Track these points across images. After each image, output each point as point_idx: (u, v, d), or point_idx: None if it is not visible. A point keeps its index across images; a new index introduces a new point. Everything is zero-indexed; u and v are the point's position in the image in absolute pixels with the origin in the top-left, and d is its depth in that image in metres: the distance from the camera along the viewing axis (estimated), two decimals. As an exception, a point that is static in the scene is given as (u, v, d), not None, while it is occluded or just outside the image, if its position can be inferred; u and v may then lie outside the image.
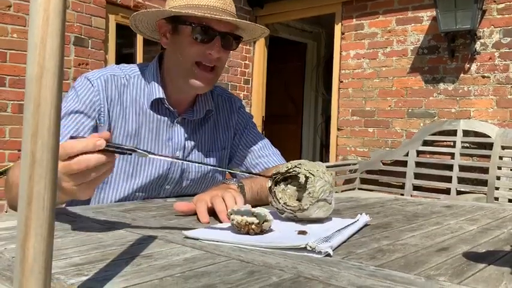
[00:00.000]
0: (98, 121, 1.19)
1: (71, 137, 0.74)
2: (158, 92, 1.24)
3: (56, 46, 0.41)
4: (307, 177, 0.92)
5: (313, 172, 0.93)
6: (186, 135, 1.30)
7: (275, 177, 0.97)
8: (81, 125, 1.15)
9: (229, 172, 1.44)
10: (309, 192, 0.91)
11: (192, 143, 1.31)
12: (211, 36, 1.18)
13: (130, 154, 0.77)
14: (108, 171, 0.75)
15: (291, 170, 0.95)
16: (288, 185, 0.96)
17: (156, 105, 1.26)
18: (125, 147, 0.77)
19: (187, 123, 1.31)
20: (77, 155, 0.71)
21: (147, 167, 1.24)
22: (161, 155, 0.91)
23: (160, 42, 1.27)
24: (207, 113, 1.34)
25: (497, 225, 1.01)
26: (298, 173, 0.93)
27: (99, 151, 0.72)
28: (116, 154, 0.75)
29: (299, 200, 0.94)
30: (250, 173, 1.30)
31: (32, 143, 0.40)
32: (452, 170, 3.87)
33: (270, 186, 0.96)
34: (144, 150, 0.78)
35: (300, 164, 0.95)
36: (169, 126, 1.27)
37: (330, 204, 0.94)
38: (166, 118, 1.27)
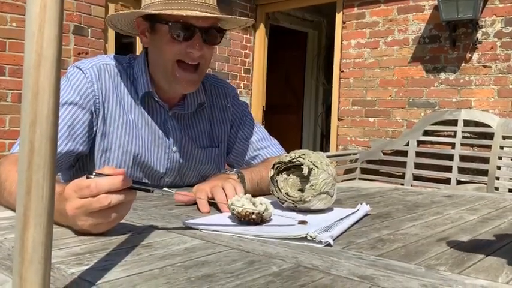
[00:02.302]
0: (94, 113, 1.15)
1: (96, 174, 0.69)
2: (147, 86, 1.20)
3: (54, 34, 0.40)
4: (310, 169, 0.92)
5: (317, 164, 0.92)
6: (180, 129, 1.27)
7: (278, 167, 0.96)
8: (76, 119, 1.11)
9: (228, 164, 1.43)
10: (312, 185, 0.90)
11: (188, 137, 1.28)
12: (191, 33, 1.11)
13: (152, 192, 0.75)
14: (126, 212, 0.72)
15: (294, 160, 0.95)
16: (291, 175, 0.96)
17: (147, 100, 1.22)
18: (150, 184, 0.75)
19: (180, 117, 1.27)
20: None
21: (145, 159, 1.22)
22: (187, 194, 0.96)
23: (141, 41, 1.21)
24: (199, 105, 1.30)
25: (497, 215, 1.01)
26: (302, 164, 0.93)
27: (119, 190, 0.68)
28: (137, 190, 0.72)
29: (301, 190, 0.94)
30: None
31: (31, 132, 0.40)
32: (452, 160, 3.86)
33: (272, 175, 0.96)
34: (170, 189, 0.76)
35: (303, 154, 0.95)
36: (163, 121, 1.24)
37: (332, 196, 0.94)
38: (158, 112, 1.24)
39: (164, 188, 0.75)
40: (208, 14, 1.11)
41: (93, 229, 0.70)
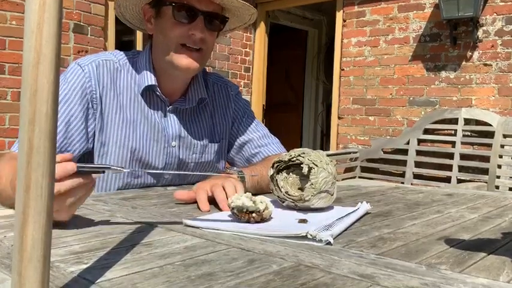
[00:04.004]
0: (91, 108, 1.16)
1: None
2: (150, 79, 1.21)
3: (53, 32, 0.40)
4: (310, 168, 0.91)
5: (317, 163, 0.92)
6: (180, 124, 1.27)
7: (277, 166, 0.96)
8: (72, 116, 1.13)
9: (228, 161, 1.43)
10: (312, 184, 0.90)
11: (188, 132, 1.29)
12: (194, 16, 1.15)
13: (103, 172, 0.74)
14: (87, 193, 0.72)
15: (294, 159, 0.94)
16: (290, 174, 0.96)
17: (148, 94, 1.23)
18: (98, 165, 0.74)
19: (181, 112, 1.28)
20: None
21: (143, 154, 1.23)
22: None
23: (146, 29, 1.24)
24: (200, 101, 1.31)
25: (498, 214, 1.00)
26: (302, 162, 0.93)
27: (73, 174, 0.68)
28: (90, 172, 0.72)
29: (301, 189, 0.94)
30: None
31: (30, 130, 0.40)
32: (453, 159, 3.86)
33: (272, 174, 0.96)
34: (119, 167, 0.76)
35: (303, 153, 0.94)
36: (162, 115, 1.25)
37: (332, 195, 0.94)
38: (158, 107, 1.25)
39: (112, 167, 0.74)
40: None
41: (56, 217, 0.70)
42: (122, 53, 1.26)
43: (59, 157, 0.70)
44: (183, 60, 1.17)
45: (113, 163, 1.20)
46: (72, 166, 0.69)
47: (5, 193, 0.88)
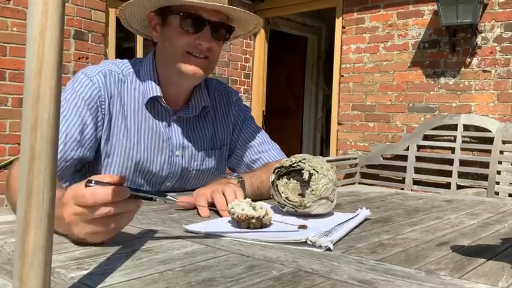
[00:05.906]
0: (96, 117, 1.16)
1: (96, 181, 0.65)
2: (155, 90, 1.21)
3: (55, 39, 0.41)
4: (311, 174, 0.92)
5: (317, 169, 0.92)
6: (184, 133, 1.27)
7: (278, 171, 0.96)
8: (85, 125, 1.13)
9: (229, 167, 1.43)
10: (312, 190, 0.90)
11: (191, 141, 1.29)
12: (201, 26, 1.15)
13: (155, 200, 0.72)
14: (128, 222, 0.69)
15: (295, 165, 0.95)
16: (291, 179, 0.96)
17: (152, 104, 1.23)
18: (152, 191, 0.72)
19: (184, 121, 1.28)
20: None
21: (147, 164, 1.23)
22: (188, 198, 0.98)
23: (151, 36, 1.24)
24: (203, 109, 1.31)
25: (497, 220, 1.00)
26: (302, 168, 0.93)
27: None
28: (141, 199, 0.69)
29: (301, 195, 0.94)
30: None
31: (32, 137, 0.40)
32: (452, 165, 3.86)
33: (273, 180, 0.96)
34: (173, 197, 0.75)
35: (304, 159, 0.95)
36: (166, 124, 1.25)
37: (332, 201, 0.94)
38: (162, 117, 1.24)
39: (167, 196, 0.74)
40: (219, 5, 1.13)
41: (90, 238, 0.67)
42: (123, 62, 1.26)
43: (109, 178, 0.67)
44: (189, 67, 1.17)
45: (116, 173, 1.19)
46: (127, 192, 0.66)
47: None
